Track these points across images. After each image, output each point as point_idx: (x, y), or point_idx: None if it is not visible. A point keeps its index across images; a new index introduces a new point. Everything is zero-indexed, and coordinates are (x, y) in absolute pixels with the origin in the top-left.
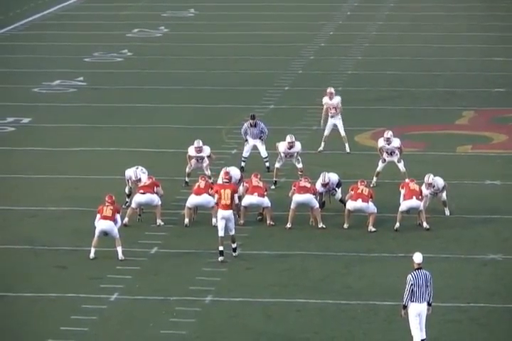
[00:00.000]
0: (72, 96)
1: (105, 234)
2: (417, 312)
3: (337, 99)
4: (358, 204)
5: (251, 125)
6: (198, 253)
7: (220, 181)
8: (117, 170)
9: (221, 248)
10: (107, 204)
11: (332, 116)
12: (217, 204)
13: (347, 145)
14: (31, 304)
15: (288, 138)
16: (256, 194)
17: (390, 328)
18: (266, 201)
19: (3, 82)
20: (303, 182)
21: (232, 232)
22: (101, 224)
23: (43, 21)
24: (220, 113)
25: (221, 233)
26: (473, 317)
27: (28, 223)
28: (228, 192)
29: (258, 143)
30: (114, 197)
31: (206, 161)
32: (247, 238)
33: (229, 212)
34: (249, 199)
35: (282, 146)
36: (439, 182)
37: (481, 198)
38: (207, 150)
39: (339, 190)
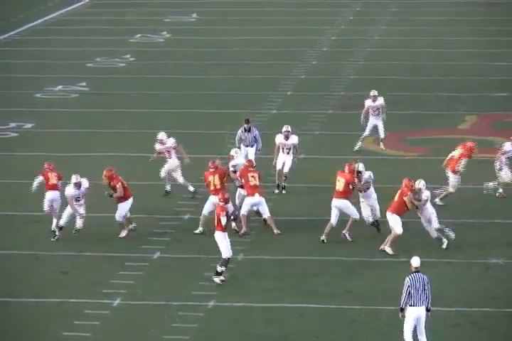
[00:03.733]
0: (75, 101)
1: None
2: (415, 317)
3: (380, 101)
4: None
5: (245, 129)
6: (200, 258)
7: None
8: (120, 175)
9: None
10: (47, 170)
11: (374, 116)
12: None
13: (382, 143)
14: (34, 309)
15: (284, 128)
16: (257, 194)
17: (391, 332)
18: (264, 205)
19: (5, 88)
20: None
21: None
22: (49, 195)
23: (45, 26)
24: (222, 118)
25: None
26: (475, 321)
27: (30, 228)
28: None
29: (251, 151)
30: (52, 165)
31: (173, 156)
32: (249, 243)
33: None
34: (250, 201)
35: (279, 138)
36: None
37: (483, 202)
38: (170, 142)
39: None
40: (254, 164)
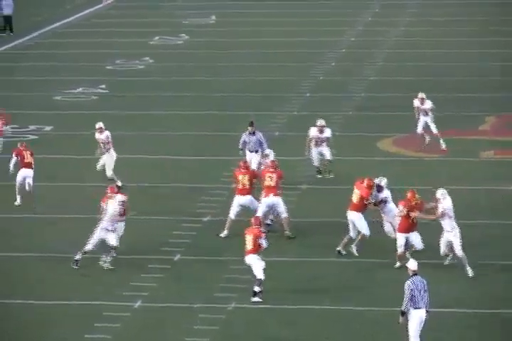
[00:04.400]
0: (94, 103)
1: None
2: (420, 319)
3: (428, 104)
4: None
5: (249, 133)
6: (221, 260)
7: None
8: (139, 178)
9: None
10: (21, 149)
11: (423, 116)
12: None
13: (441, 140)
14: (55, 312)
15: (318, 122)
16: (271, 195)
17: (407, 333)
18: (281, 205)
19: (25, 90)
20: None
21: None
22: (23, 172)
23: (65, 29)
24: (241, 120)
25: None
26: (486, 323)
27: (49, 230)
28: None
29: (255, 158)
30: (25, 144)
31: (110, 148)
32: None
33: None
34: (264, 201)
35: (313, 131)
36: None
37: (503, 203)
38: (105, 135)
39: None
40: (276, 164)
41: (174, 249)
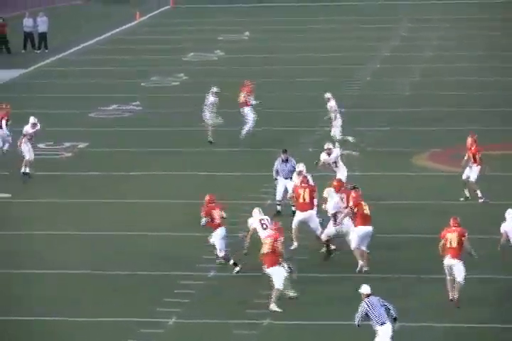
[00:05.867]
0: (129, 120)
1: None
2: (388, 335)
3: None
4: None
5: (282, 160)
6: (255, 276)
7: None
8: (174, 195)
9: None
10: None
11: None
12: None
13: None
14: (88, 328)
15: (325, 146)
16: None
17: None
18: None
19: (60, 108)
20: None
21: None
22: None
23: (99, 46)
24: (276, 136)
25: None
26: None
27: (84, 247)
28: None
29: (289, 184)
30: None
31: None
32: (303, 261)
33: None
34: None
35: (323, 155)
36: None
37: None
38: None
39: None
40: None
41: (209, 265)
